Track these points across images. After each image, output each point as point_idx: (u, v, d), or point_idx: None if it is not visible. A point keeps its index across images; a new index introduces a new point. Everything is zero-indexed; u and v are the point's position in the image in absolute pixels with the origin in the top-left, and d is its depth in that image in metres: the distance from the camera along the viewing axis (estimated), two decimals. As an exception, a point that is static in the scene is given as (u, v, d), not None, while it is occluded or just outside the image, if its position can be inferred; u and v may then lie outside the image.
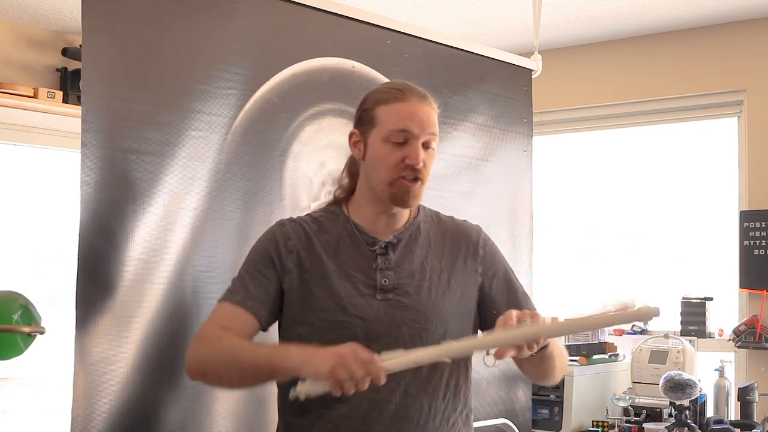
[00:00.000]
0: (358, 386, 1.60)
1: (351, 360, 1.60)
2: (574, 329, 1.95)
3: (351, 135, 1.91)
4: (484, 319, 1.95)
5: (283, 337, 1.88)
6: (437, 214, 1.99)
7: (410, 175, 1.82)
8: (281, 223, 1.91)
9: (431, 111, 1.87)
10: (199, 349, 1.80)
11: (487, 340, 1.73)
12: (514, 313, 1.68)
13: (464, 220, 2.02)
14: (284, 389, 1.89)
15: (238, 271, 1.88)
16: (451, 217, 2.01)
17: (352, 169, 1.95)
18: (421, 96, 1.87)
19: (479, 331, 1.96)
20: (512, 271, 2.00)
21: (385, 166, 1.84)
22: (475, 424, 2.02)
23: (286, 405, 1.89)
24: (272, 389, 2.29)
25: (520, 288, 1.98)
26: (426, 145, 1.84)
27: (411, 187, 1.83)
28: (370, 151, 1.87)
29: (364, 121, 1.88)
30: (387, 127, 1.83)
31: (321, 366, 1.60)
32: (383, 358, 1.63)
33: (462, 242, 1.95)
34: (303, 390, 1.63)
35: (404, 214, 1.92)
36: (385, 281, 1.84)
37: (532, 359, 1.74)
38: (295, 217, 1.95)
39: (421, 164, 1.82)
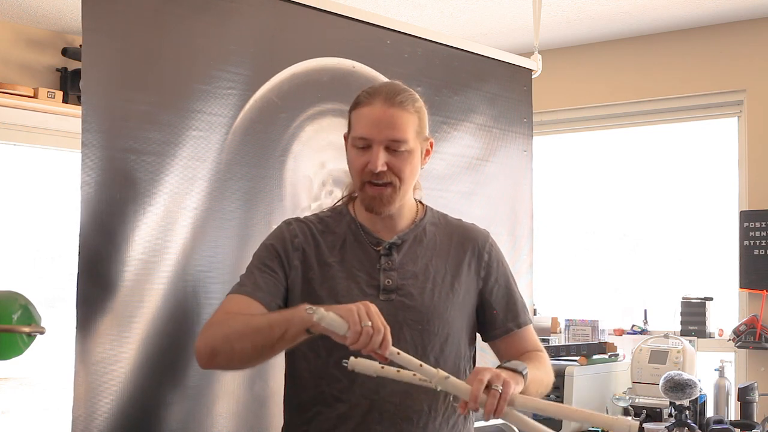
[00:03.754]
0: (374, 338, 1.57)
1: (372, 310, 1.59)
2: (553, 412, 1.86)
3: (344, 137, 1.92)
4: (482, 324, 1.95)
5: None
6: (444, 216, 1.99)
7: (375, 180, 1.81)
8: (288, 222, 1.92)
9: (398, 113, 1.80)
10: (208, 331, 1.77)
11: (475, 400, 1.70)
12: (486, 375, 1.68)
13: (472, 224, 2.01)
14: (289, 386, 1.89)
15: (246, 267, 1.87)
16: (459, 220, 2.00)
17: None
18: (388, 98, 1.81)
19: (476, 334, 1.96)
20: (514, 282, 1.99)
21: (354, 171, 1.85)
22: (475, 424, 2.02)
23: (288, 404, 1.89)
24: (273, 390, 2.29)
25: (519, 299, 1.98)
26: (392, 148, 1.80)
27: (380, 193, 1.82)
28: (347, 155, 1.88)
29: (347, 125, 1.90)
30: (352, 133, 1.85)
31: (341, 308, 1.59)
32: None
33: (468, 245, 1.94)
34: (353, 363, 1.62)
35: (406, 216, 1.91)
36: (388, 282, 1.84)
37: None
38: (302, 216, 1.95)
39: (380, 168, 1.78)
